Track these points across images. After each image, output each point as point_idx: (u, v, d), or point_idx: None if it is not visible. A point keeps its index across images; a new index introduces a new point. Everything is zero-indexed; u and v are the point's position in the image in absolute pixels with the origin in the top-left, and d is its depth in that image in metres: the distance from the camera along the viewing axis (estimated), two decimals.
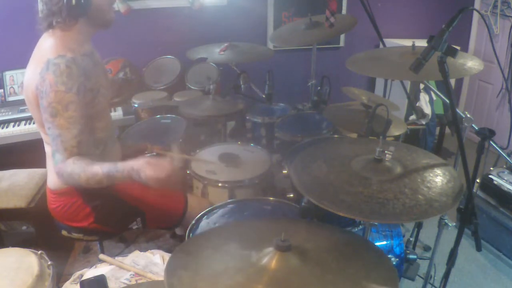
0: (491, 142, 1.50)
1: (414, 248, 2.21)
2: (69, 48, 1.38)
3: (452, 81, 3.40)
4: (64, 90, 1.33)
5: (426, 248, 2.39)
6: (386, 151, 1.19)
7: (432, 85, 2.38)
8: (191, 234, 1.50)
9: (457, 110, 1.29)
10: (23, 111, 2.52)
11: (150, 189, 1.71)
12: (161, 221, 1.74)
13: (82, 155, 1.39)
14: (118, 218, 1.65)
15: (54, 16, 1.37)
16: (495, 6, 3.43)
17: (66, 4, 1.35)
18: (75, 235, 1.65)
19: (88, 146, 1.43)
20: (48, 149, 1.54)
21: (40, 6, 1.39)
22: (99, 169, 1.35)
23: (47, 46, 1.39)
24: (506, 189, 2.29)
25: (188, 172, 1.91)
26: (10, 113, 2.52)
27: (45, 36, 1.43)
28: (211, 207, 1.64)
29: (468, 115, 1.45)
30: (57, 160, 1.37)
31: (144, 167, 1.31)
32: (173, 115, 2.42)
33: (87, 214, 1.59)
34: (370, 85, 3.79)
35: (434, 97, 3.23)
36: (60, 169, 1.38)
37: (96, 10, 1.43)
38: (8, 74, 2.66)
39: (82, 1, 1.37)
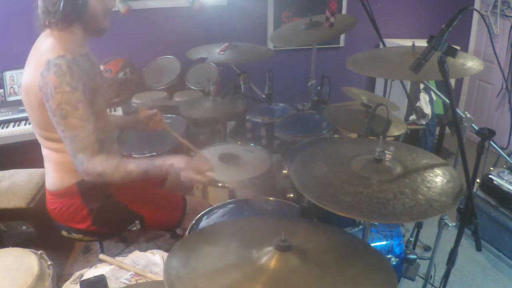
0: (491, 142, 1.50)
1: (414, 248, 2.21)
2: (68, 49, 1.38)
3: (452, 81, 3.40)
4: (69, 90, 1.32)
5: (426, 248, 2.39)
6: (386, 151, 1.19)
7: (432, 85, 2.38)
8: None
9: (457, 110, 1.28)
10: (23, 111, 2.51)
11: (148, 192, 1.73)
12: (159, 223, 1.74)
13: (104, 152, 1.41)
14: (116, 221, 1.65)
15: (48, 16, 1.37)
16: (495, 6, 3.43)
17: (63, 7, 1.34)
18: (75, 235, 1.65)
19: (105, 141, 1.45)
20: (45, 152, 1.54)
21: (40, 2, 1.38)
22: (134, 167, 1.41)
23: (46, 46, 1.38)
24: (506, 189, 2.29)
25: None
26: (10, 113, 2.52)
27: (42, 36, 1.43)
28: (211, 207, 1.64)
29: (468, 115, 1.45)
30: (81, 160, 1.37)
31: (185, 167, 1.41)
32: (173, 115, 2.42)
33: (85, 216, 1.59)
34: (370, 85, 3.79)
35: (434, 97, 3.23)
36: (87, 169, 1.38)
37: (91, 17, 1.42)
38: (8, 74, 2.66)
39: (78, 7, 1.37)
